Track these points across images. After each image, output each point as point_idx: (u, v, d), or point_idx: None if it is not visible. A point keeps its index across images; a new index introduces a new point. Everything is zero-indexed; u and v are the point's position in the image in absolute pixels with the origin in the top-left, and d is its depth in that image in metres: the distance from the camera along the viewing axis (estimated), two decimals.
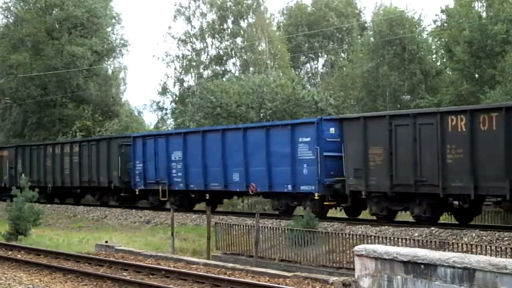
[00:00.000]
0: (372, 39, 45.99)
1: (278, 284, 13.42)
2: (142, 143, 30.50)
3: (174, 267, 15.91)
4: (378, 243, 15.96)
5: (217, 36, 57.84)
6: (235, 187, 26.27)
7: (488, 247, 15.12)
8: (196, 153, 27.75)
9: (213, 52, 57.84)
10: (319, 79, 62.11)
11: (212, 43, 58.06)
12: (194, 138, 28.20)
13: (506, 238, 17.25)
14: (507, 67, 35.38)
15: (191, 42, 58.33)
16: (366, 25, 58.57)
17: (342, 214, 25.11)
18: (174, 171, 28.67)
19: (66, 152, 35.87)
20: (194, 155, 27.84)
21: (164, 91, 58.56)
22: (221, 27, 57.63)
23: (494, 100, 32.25)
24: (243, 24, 57.03)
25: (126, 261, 16.83)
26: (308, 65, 63.93)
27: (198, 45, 58.27)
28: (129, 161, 31.36)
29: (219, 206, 30.90)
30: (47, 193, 36.43)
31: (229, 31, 57.67)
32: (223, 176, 26.37)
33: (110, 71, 52.62)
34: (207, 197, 28.49)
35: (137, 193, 30.77)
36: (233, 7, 56.98)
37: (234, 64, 57.68)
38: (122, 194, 31.81)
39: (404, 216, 24.83)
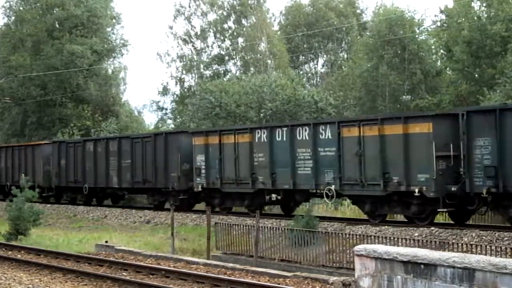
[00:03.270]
0: (371, 39, 45.98)
1: (278, 284, 13.43)
2: None
3: (174, 267, 15.92)
4: (378, 243, 15.96)
5: (218, 35, 57.95)
6: None
7: (488, 247, 15.12)
8: None
9: (214, 52, 58.01)
10: (318, 79, 62.13)
11: (214, 43, 58.23)
12: None
13: (506, 238, 17.26)
14: (507, 67, 35.38)
15: (191, 42, 58.44)
16: (366, 25, 58.60)
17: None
18: None
19: None
20: None
21: (165, 90, 58.70)
22: (222, 26, 57.75)
23: (495, 102, 32.21)
24: (245, 23, 57.12)
25: (126, 261, 16.84)
26: (307, 65, 63.96)
27: (199, 44, 58.41)
28: None
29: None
30: None
31: (230, 32, 57.80)
32: None
33: (110, 71, 52.62)
34: None
35: None
36: (236, 7, 57.09)
37: (234, 64, 57.81)
38: None
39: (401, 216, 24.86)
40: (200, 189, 26.94)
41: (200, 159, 26.86)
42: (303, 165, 23.06)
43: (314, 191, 23.18)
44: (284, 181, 23.65)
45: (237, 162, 25.42)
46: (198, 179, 26.88)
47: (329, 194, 22.02)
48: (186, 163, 27.76)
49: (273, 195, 24.14)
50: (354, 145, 21.43)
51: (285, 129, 23.85)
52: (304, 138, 23.08)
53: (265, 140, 24.43)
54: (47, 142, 38.56)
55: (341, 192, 22.14)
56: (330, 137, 22.25)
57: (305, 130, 23.00)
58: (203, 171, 26.66)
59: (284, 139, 23.67)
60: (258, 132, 24.85)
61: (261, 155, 24.61)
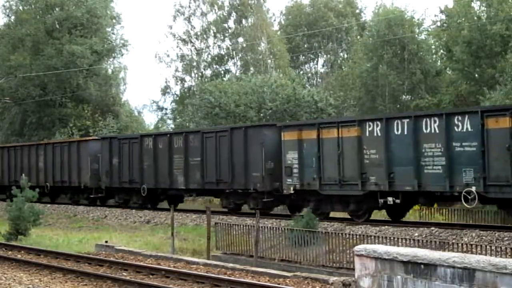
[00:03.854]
0: (370, 39, 46.02)
1: (278, 284, 13.42)
2: None
3: (174, 267, 15.91)
4: (378, 243, 15.96)
5: (218, 35, 58.05)
6: None
7: (488, 247, 15.13)
8: None
9: (214, 52, 58.10)
10: (319, 79, 62.20)
11: (214, 43, 58.33)
12: None
13: (506, 238, 17.26)
14: (507, 67, 35.40)
15: (191, 42, 58.53)
16: (365, 25, 58.71)
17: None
18: None
19: None
20: None
21: (166, 89, 58.90)
22: (222, 26, 57.84)
23: (495, 101, 32.20)
24: (245, 23, 57.21)
25: (126, 261, 16.82)
26: (307, 65, 64.05)
27: (199, 45, 58.48)
28: None
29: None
30: None
31: (230, 31, 57.91)
32: None
33: (110, 71, 52.67)
34: None
35: None
36: (236, 7, 57.18)
37: (234, 64, 57.90)
38: None
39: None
40: (292, 191, 23.33)
41: (291, 156, 23.30)
42: (432, 162, 19.54)
43: (446, 193, 19.59)
44: (406, 181, 20.15)
45: (341, 159, 21.86)
46: (289, 179, 23.30)
47: (469, 197, 18.46)
48: (271, 161, 24.19)
49: (390, 198, 20.67)
50: (504, 138, 18.03)
51: (406, 120, 20.30)
52: (432, 131, 19.56)
53: (379, 133, 20.91)
54: (95, 138, 35.26)
55: (485, 194, 18.54)
56: (469, 129, 18.72)
57: (434, 121, 19.57)
58: (295, 170, 23.11)
59: (405, 133, 20.15)
60: (369, 125, 21.27)
61: (374, 151, 21.13)
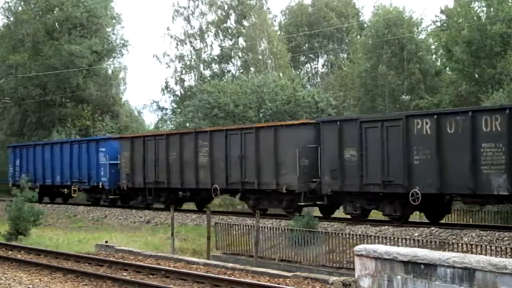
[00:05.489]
0: (369, 39, 46.01)
1: (278, 284, 13.43)
2: None
3: (174, 267, 15.92)
4: (378, 243, 15.97)
5: (218, 35, 58.15)
6: None
7: (488, 247, 15.14)
8: None
9: (214, 51, 58.20)
10: (319, 79, 62.22)
11: (212, 42, 58.44)
12: None
13: (506, 238, 17.26)
14: (508, 66, 35.40)
15: (190, 42, 58.59)
16: (365, 25, 58.75)
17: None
18: None
19: None
20: None
21: (167, 88, 59.03)
22: (223, 26, 57.93)
23: (497, 101, 32.15)
24: (246, 23, 57.28)
25: (126, 261, 16.83)
26: (308, 65, 64.08)
27: (198, 44, 58.54)
28: None
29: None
30: None
31: (230, 31, 57.98)
32: None
33: (110, 71, 52.68)
34: None
35: None
36: (236, 7, 57.26)
37: (234, 64, 57.96)
38: None
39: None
40: None
41: None
42: None
43: None
44: None
45: None
46: None
47: None
48: None
49: None
50: None
51: None
52: None
53: None
54: (305, 121, 25.90)
55: None
56: None
57: None
58: None
59: None
60: None
61: None
